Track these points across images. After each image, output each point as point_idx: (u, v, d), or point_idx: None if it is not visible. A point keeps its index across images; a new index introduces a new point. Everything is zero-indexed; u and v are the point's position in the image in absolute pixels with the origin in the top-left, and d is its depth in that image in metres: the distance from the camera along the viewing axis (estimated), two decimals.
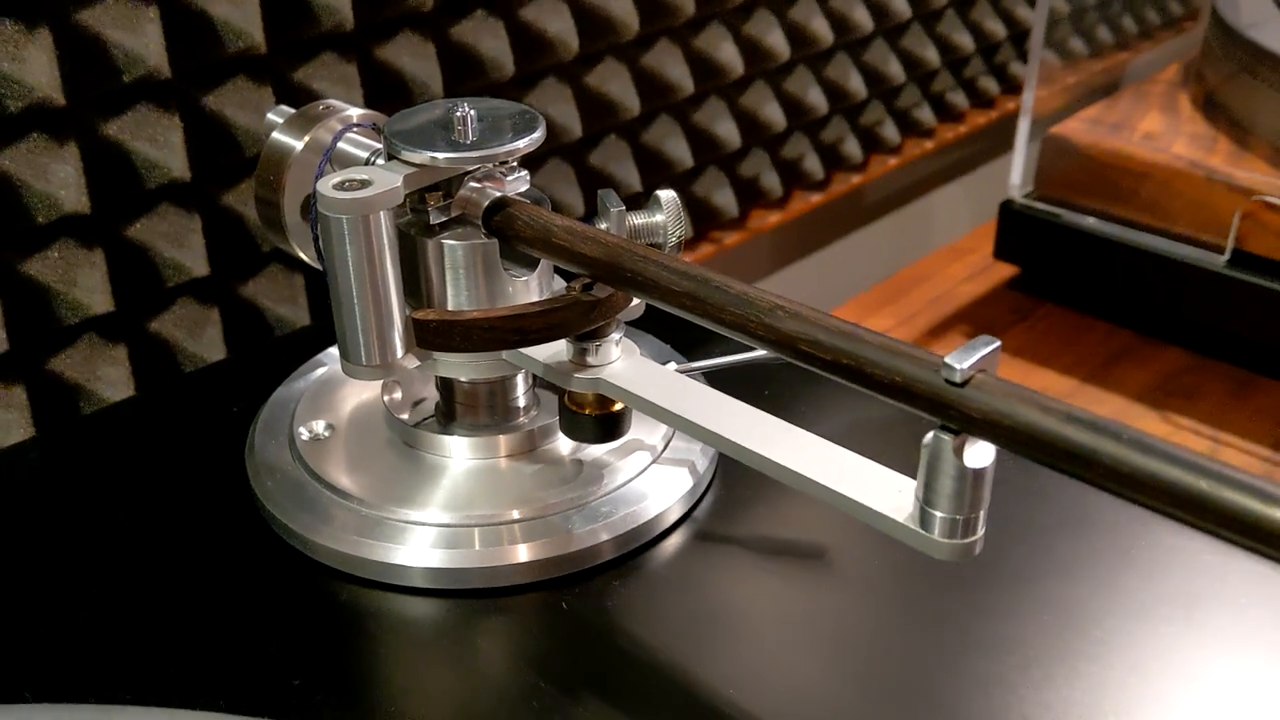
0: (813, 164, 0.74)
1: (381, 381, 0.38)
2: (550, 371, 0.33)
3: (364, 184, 0.31)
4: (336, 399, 0.39)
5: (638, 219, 0.35)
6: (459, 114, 0.33)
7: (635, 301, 0.35)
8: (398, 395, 0.38)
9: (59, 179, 0.43)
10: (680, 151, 0.65)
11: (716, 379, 0.37)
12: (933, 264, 0.79)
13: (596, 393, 0.33)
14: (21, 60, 0.41)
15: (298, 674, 0.31)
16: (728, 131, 0.67)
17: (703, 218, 0.69)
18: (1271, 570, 0.33)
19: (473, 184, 0.34)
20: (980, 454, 0.26)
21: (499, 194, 0.33)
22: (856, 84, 0.74)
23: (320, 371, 0.40)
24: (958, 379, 0.25)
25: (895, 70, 0.77)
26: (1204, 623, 0.32)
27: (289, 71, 0.49)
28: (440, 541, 0.34)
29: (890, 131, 0.79)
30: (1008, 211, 0.72)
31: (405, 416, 0.37)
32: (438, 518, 0.34)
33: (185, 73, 0.45)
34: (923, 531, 0.27)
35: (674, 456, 0.36)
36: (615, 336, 0.33)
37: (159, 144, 0.45)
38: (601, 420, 0.34)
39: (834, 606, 0.33)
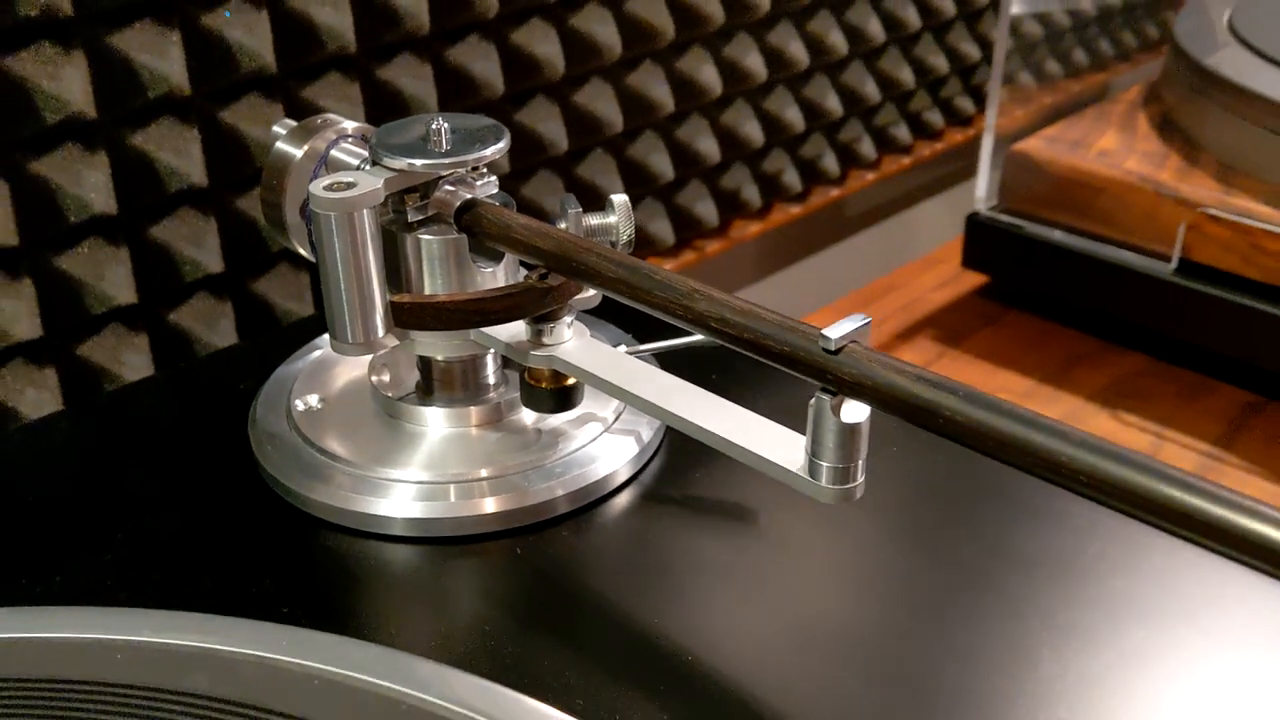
0: (791, 178, 0.79)
1: (369, 360, 0.43)
2: (511, 350, 0.38)
3: (350, 185, 0.36)
4: (329, 376, 0.44)
5: (593, 219, 0.40)
6: (435, 127, 0.38)
7: (591, 292, 0.40)
8: (386, 377, 0.43)
9: (90, 183, 0.48)
10: (663, 165, 0.70)
11: (673, 363, 0.42)
12: (906, 274, 0.84)
13: (551, 369, 0.38)
14: (58, 78, 0.46)
15: (288, 604, 0.36)
16: (708, 147, 0.72)
17: (685, 226, 0.74)
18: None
19: (447, 187, 0.39)
20: (854, 411, 0.31)
21: (469, 196, 0.38)
22: (833, 103, 0.79)
23: (316, 353, 0.45)
24: (832, 348, 0.30)
25: (871, 90, 0.82)
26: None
27: (298, 90, 0.54)
28: (418, 496, 0.39)
29: (867, 148, 0.84)
30: (974, 223, 0.77)
31: (390, 393, 0.42)
32: (416, 476, 0.39)
33: (204, 90, 0.51)
34: (811, 479, 0.32)
35: (623, 427, 0.41)
36: (568, 320, 0.38)
37: (179, 154, 0.51)
38: (556, 393, 0.39)
39: (763, 562, 0.38)
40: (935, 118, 0.88)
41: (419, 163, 0.37)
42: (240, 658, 0.26)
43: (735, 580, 0.37)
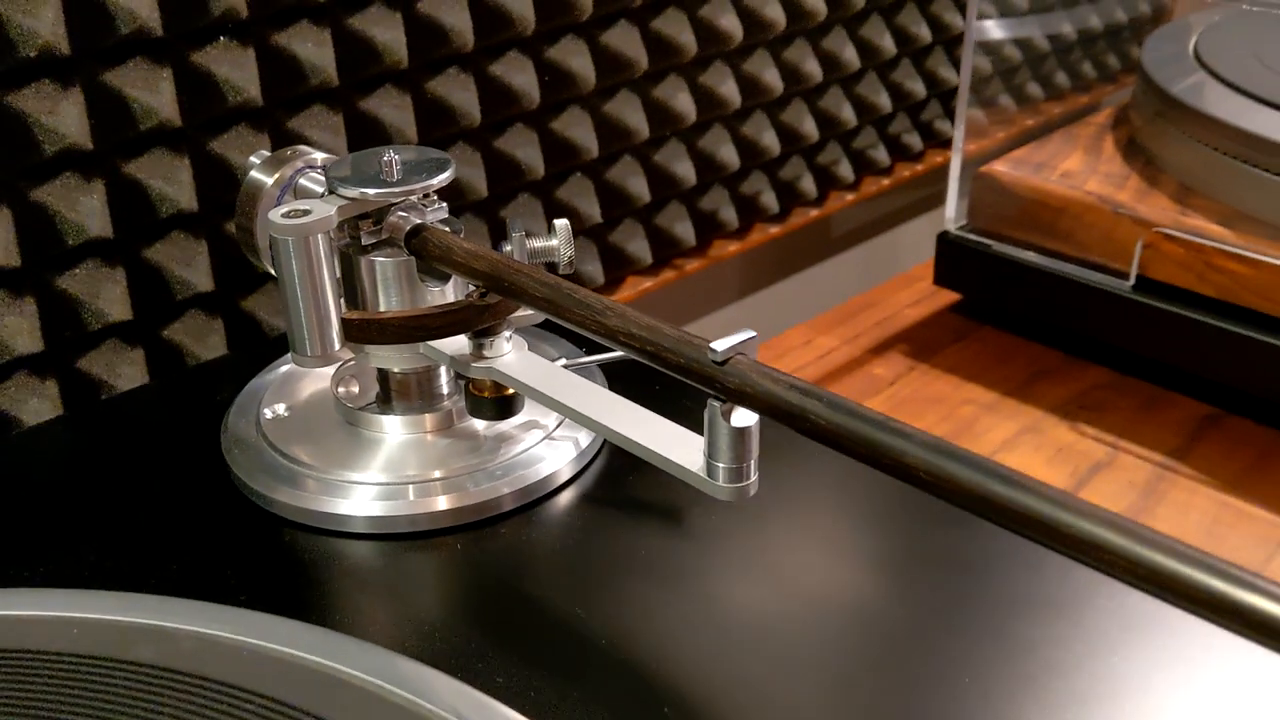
0: (769, 199, 0.82)
1: (332, 373, 0.47)
2: (455, 362, 0.42)
3: (305, 213, 0.40)
4: (296, 388, 0.48)
5: (536, 243, 0.44)
6: (386, 159, 0.42)
7: (531, 311, 0.44)
8: (348, 389, 0.47)
9: (87, 209, 0.52)
10: (640, 188, 0.74)
11: (621, 375, 0.45)
12: (883, 291, 0.87)
13: (492, 380, 0.42)
14: (57, 113, 0.50)
15: (247, 593, 0.39)
16: (685, 170, 0.76)
17: (664, 245, 0.77)
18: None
19: (400, 213, 0.42)
20: (743, 417, 0.34)
21: (418, 221, 0.42)
22: (810, 127, 0.83)
23: (285, 367, 0.49)
24: (719, 359, 0.33)
25: (849, 114, 0.85)
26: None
27: (283, 121, 0.58)
28: (377, 496, 0.42)
29: (846, 170, 0.87)
30: (944, 242, 0.80)
31: (351, 403, 0.46)
32: (375, 478, 0.43)
33: (194, 122, 0.55)
34: (709, 479, 0.35)
35: (564, 434, 0.45)
36: (506, 334, 0.42)
37: (171, 181, 0.55)
38: (498, 402, 0.43)
39: (686, 558, 0.41)
40: (914, 140, 0.91)
41: (371, 192, 0.41)
42: (180, 632, 0.30)
43: (661, 574, 0.40)
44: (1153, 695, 0.35)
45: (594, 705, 0.35)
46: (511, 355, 0.42)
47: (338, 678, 0.29)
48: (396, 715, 0.28)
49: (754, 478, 0.35)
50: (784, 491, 0.43)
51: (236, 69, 0.55)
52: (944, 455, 0.29)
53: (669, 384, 0.35)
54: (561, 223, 0.44)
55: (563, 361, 0.45)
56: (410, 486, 0.43)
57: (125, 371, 0.56)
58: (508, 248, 0.43)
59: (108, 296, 0.54)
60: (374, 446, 0.44)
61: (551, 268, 0.44)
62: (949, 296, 0.84)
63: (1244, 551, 0.62)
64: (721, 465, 0.35)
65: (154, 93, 0.53)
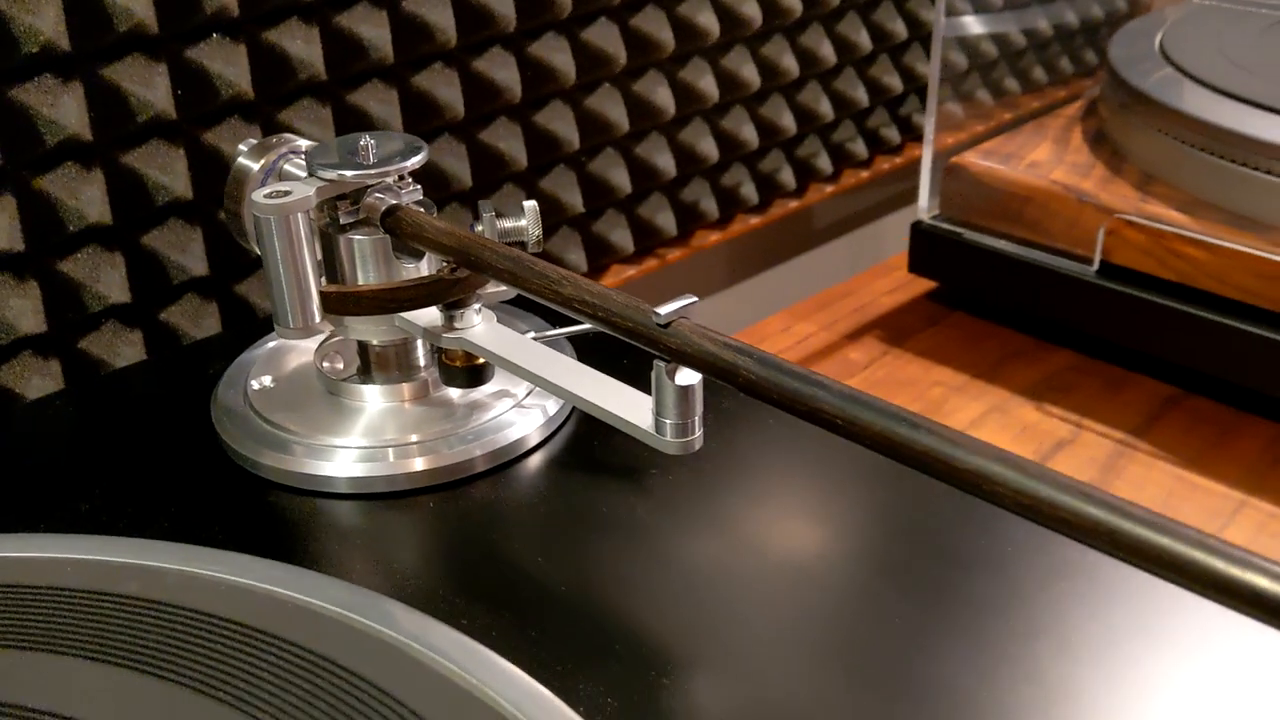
0: (749, 191, 0.85)
1: (315, 347, 0.50)
2: (428, 333, 0.45)
3: (286, 193, 0.43)
4: (282, 361, 0.50)
5: (506, 223, 0.47)
6: (362, 144, 0.45)
7: (502, 287, 0.47)
8: (330, 363, 0.50)
9: (87, 198, 0.56)
10: (621, 179, 0.77)
11: (592, 351, 0.48)
12: (862, 280, 0.89)
13: (463, 350, 0.45)
14: (58, 106, 0.53)
15: (233, 548, 0.42)
16: (665, 163, 0.79)
17: (646, 234, 0.80)
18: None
19: (377, 194, 0.45)
20: (686, 376, 0.37)
21: (393, 202, 0.45)
22: (788, 121, 0.85)
23: (272, 343, 0.52)
24: (662, 323, 0.36)
25: (826, 108, 0.88)
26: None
27: (274, 113, 0.61)
28: (357, 458, 0.45)
29: (825, 163, 0.90)
30: (918, 231, 0.82)
31: (333, 375, 0.49)
32: (356, 442, 0.46)
33: (188, 115, 0.58)
34: (658, 435, 0.38)
35: (533, 402, 0.48)
36: (475, 307, 0.45)
37: (167, 170, 0.58)
38: (468, 371, 0.45)
39: (648, 514, 0.44)
40: (893, 134, 0.94)
41: (348, 174, 0.44)
42: (164, 570, 0.33)
43: (619, 529, 0.43)
44: (1072, 632, 0.38)
45: (550, 643, 0.37)
46: (481, 327, 0.45)
47: (306, 608, 0.31)
48: (354, 638, 0.31)
49: (699, 433, 0.38)
50: (736, 456, 0.46)
51: (229, 64, 0.58)
52: (854, 402, 0.32)
53: (637, 357, 0.38)
54: (530, 204, 0.47)
55: (531, 334, 0.48)
56: (389, 449, 0.46)
57: (125, 352, 0.59)
58: (479, 227, 0.46)
59: (107, 280, 0.57)
60: (355, 414, 0.47)
61: (522, 247, 0.47)
62: (925, 284, 0.87)
63: (1196, 522, 0.65)
64: (669, 421, 0.38)
65: (150, 87, 0.56)
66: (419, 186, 0.46)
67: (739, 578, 0.41)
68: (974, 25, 0.90)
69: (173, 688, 0.29)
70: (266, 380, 0.49)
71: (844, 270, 0.98)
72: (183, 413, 0.50)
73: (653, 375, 0.37)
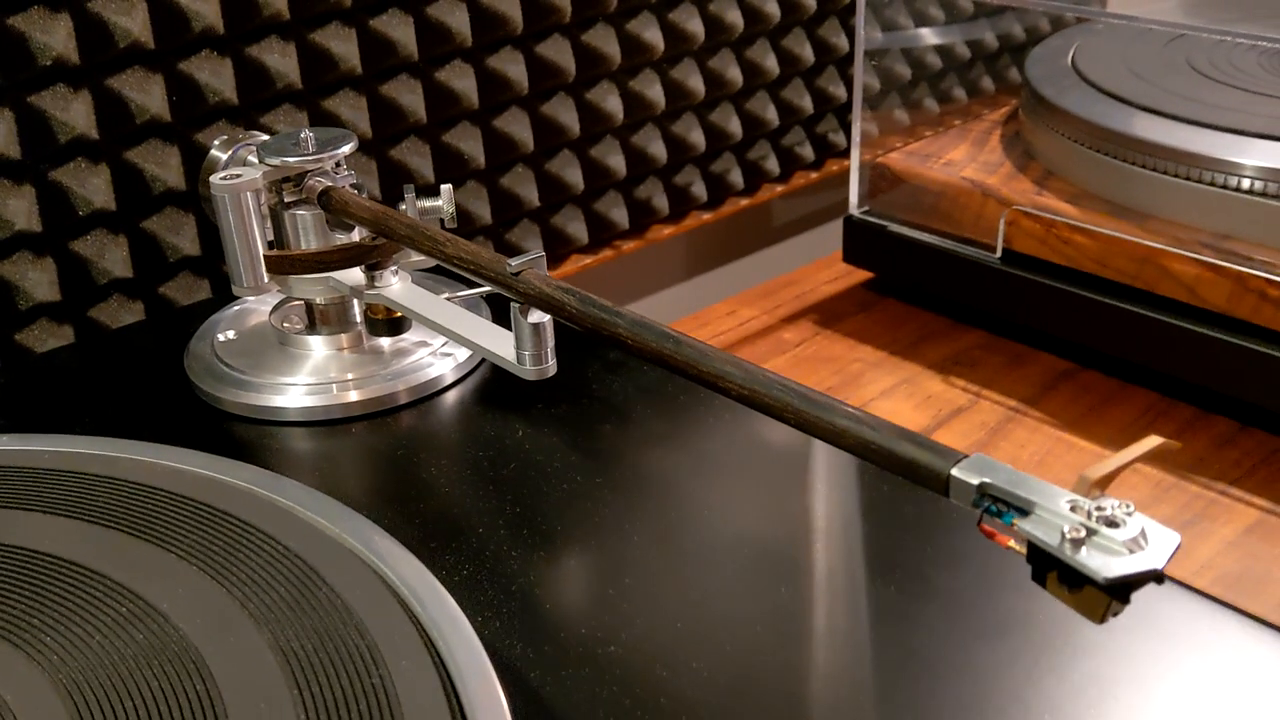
0: (699, 190, 0.94)
1: (270, 308, 0.60)
2: (354, 291, 0.55)
3: (238, 176, 0.53)
4: (245, 320, 0.61)
5: (426, 202, 0.57)
6: (304, 136, 0.55)
7: (420, 256, 0.56)
8: (283, 321, 0.60)
9: (94, 188, 0.66)
10: (575, 178, 0.86)
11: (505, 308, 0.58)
12: (806, 271, 0.98)
13: (382, 304, 0.55)
14: (69, 110, 0.64)
15: None
16: (617, 163, 0.88)
17: (600, 228, 0.90)
18: None
19: (317, 178, 0.55)
20: (537, 316, 0.46)
21: (328, 184, 0.55)
22: (735, 126, 0.95)
23: (238, 306, 0.62)
24: (514, 271, 0.46)
25: (772, 115, 0.97)
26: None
27: (257, 117, 0.71)
28: (305, 393, 0.55)
29: (773, 165, 0.99)
30: (849, 224, 0.91)
31: (285, 329, 0.59)
32: (303, 380, 0.56)
33: (181, 118, 0.68)
34: (519, 364, 0.48)
35: (447, 350, 0.57)
36: (392, 269, 0.55)
37: (163, 165, 0.68)
38: (389, 322, 0.56)
39: (540, 440, 0.53)
40: (840, 139, 1.03)
41: (291, 160, 0.54)
42: (122, 459, 0.43)
43: (516, 454, 0.52)
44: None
45: (431, 529, 0.47)
46: (397, 286, 0.55)
47: (220, 481, 0.41)
48: (281, 516, 0.41)
49: (551, 362, 0.47)
50: (614, 396, 0.55)
51: (216, 76, 0.68)
52: (640, 326, 0.41)
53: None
54: (446, 187, 0.57)
55: (446, 294, 0.58)
56: (331, 385, 0.55)
57: (129, 320, 0.69)
58: (402, 206, 0.56)
59: (112, 258, 0.68)
60: (302, 360, 0.57)
61: (440, 222, 0.57)
62: (863, 275, 0.96)
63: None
64: (526, 353, 0.47)
65: (148, 94, 0.66)
66: (352, 172, 0.56)
67: (598, 486, 0.50)
68: (895, 41, 0.98)
69: (114, 533, 0.39)
70: (230, 334, 0.59)
71: (796, 265, 1.07)
72: (164, 362, 0.61)
73: (511, 315, 0.47)
